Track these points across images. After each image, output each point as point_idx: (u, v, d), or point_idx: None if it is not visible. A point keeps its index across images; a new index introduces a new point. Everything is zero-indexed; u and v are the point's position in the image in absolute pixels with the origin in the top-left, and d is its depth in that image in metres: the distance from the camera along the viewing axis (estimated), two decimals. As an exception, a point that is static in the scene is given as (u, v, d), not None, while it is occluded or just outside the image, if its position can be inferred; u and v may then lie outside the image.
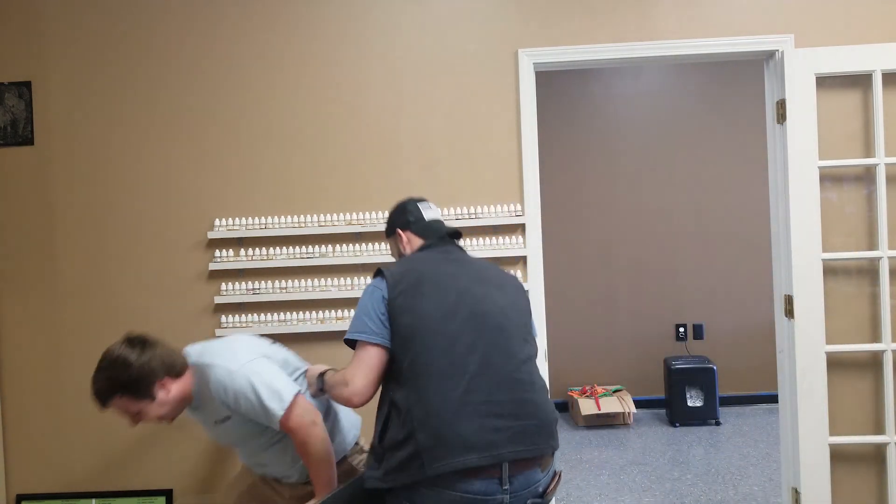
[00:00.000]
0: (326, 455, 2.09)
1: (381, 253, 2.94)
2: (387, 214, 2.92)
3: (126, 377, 2.01)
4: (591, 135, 5.44)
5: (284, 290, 2.96)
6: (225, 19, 3.00)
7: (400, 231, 2.14)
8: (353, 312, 2.94)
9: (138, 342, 2.07)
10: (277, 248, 2.97)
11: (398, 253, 2.16)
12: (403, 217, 2.15)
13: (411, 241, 2.12)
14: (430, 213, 2.16)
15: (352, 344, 1.92)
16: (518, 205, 2.95)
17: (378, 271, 1.97)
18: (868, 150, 2.85)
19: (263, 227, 2.97)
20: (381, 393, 1.92)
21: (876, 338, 2.84)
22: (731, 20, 2.92)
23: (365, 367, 1.86)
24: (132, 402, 2.05)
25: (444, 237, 2.10)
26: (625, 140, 5.43)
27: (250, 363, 2.10)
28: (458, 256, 2.05)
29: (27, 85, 3.02)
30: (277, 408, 2.04)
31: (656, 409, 5.36)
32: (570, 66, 3.01)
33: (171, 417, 2.14)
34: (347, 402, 1.88)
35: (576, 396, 5.18)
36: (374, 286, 1.93)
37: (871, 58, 2.78)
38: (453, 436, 1.74)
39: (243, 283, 2.98)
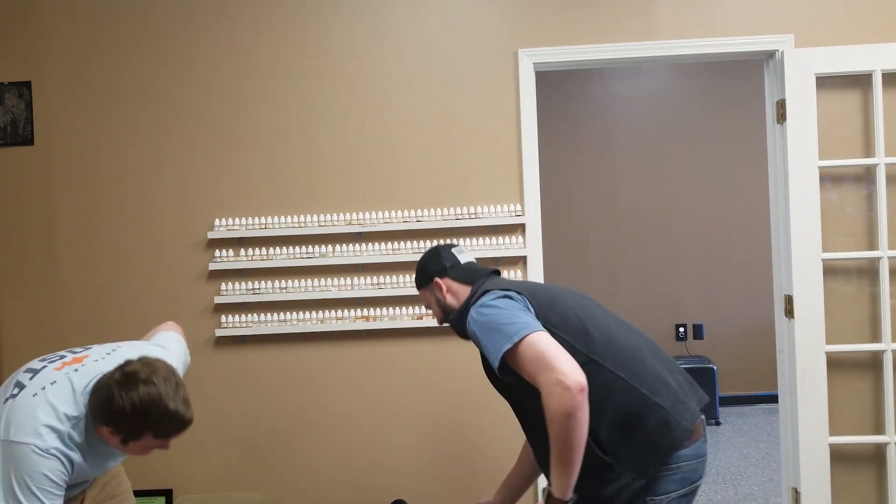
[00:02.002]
0: None
1: (380, 253, 2.94)
2: (386, 214, 2.95)
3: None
4: (591, 135, 5.44)
5: (284, 290, 2.96)
6: (224, 20, 3.00)
7: (438, 279, 1.95)
8: (352, 312, 2.95)
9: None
10: (277, 248, 2.97)
11: (437, 303, 1.97)
12: (438, 263, 1.97)
13: (451, 289, 1.94)
14: (464, 256, 2.01)
15: (503, 373, 1.67)
16: (518, 205, 2.95)
17: (488, 290, 1.79)
18: (868, 150, 2.85)
19: (263, 227, 2.97)
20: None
21: (876, 338, 2.84)
22: (731, 20, 2.91)
23: (558, 350, 1.61)
24: None
25: (491, 273, 1.95)
26: (625, 140, 5.43)
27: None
28: None
29: (27, 85, 3.02)
30: None
31: (656, 409, 5.35)
32: (570, 66, 3.01)
33: None
34: (578, 393, 1.53)
35: (576, 396, 5.18)
36: (504, 297, 1.75)
37: (871, 58, 2.78)
38: (672, 391, 1.73)
39: (243, 283, 2.98)
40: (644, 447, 1.68)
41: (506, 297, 1.75)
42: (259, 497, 2.95)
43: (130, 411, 1.62)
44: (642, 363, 1.76)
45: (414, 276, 2.06)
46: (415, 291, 2.90)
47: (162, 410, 1.64)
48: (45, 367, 1.79)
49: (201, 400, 3.00)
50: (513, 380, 1.69)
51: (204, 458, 3.01)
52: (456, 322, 1.93)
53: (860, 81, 2.84)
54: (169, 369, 1.70)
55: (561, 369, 1.55)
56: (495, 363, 1.65)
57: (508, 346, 1.63)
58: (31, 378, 1.75)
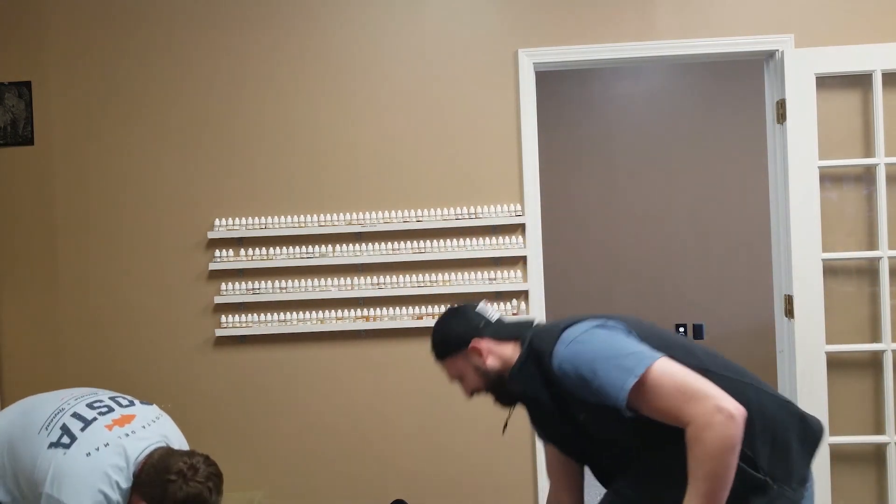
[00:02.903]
0: None
1: (380, 253, 2.94)
2: (386, 214, 2.94)
3: None
4: (591, 135, 5.43)
5: (284, 290, 2.96)
6: (225, 19, 3.00)
7: (476, 341, 1.65)
8: (352, 312, 2.94)
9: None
10: (277, 248, 2.97)
11: (476, 371, 1.67)
12: (469, 324, 1.67)
13: (495, 350, 1.65)
14: (492, 313, 1.73)
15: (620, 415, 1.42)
16: (518, 205, 2.95)
17: (570, 326, 1.55)
18: (868, 150, 2.85)
19: (263, 227, 2.97)
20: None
21: (876, 338, 2.84)
22: (731, 20, 2.91)
23: (700, 377, 1.41)
24: None
25: (533, 324, 1.69)
26: (625, 140, 5.42)
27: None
28: None
29: (27, 85, 3.02)
30: None
31: (656, 409, 5.34)
32: (570, 66, 3.01)
33: None
34: (741, 421, 1.35)
35: (576, 396, 5.18)
36: (598, 327, 1.53)
37: (871, 58, 2.78)
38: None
39: (243, 283, 2.98)
40: (797, 451, 1.49)
41: (600, 326, 1.52)
42: (259, 497, 2.95)
43: (179, 502, 1.65)
44: (738, 366, 1.58)
45: (433, 345, 1.75)
46: (415, 291, 2.92)
47: None
48: (94, 419, 1.78)
49: (201, 400, 3.00)
50: (624, 426, 1.47)
51: (204, 458, 3.01)
52: (522, 376, 1.59)
53: (860, 81, 2.84)
54: (220, 477, 1.76)
55: (717, 395, 1.36)
56: (619, 402, 1.39)
57: (632, 380, 1.39)
58: (81, 429, 1.75)
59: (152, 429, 1.83)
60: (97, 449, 1.71)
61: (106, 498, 1.66)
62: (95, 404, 1.84)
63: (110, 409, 1.83)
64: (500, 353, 1.65)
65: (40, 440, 1.74)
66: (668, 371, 1.40)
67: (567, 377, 1.48)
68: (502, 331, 1.67)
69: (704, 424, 1.34)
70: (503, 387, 1.66)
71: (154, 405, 1.96)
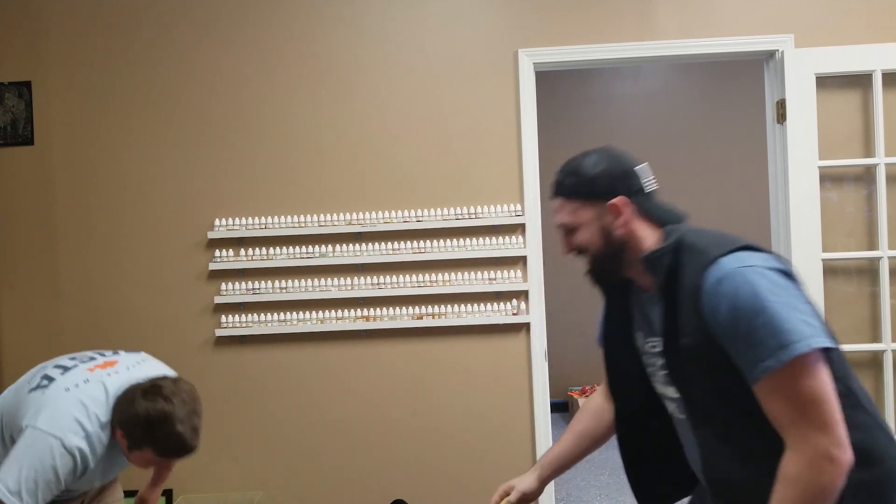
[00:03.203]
0: None
1: (380, 253, 2.94)
2: (386, 214, 2.94)
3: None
4: (591, 135, 5.43)
5: (284, 290, 2.96)
6: (225, 20, 3.00)
7: (622, 200, 1.37)
8: (352, 312, 2.94)
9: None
10: (277, 248, 2.97)
11: (600, 230, 1.39)
12: (628, 181, 1.39)
13: (632, 222, 1.37)
14: (651, 179, 1.44)
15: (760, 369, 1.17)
16: (518, 205, 2.95)
17: (745, 249, 1.28)
18: (868, 150, 2.85)
19: (263, 227, 2.97)
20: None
21: (876, 338, 2.84)
22: (731, 20, 2.92)
23: (837, 403, 1.18)
24: None
25: (681, 219, 1.41)
26: (625, 140, 5.40)
27: None
28: None
29: (27, 85, 3.02)
30: None
31: (656, 409, 5.34)
32: (570, 66, 3.01)
33: None
34: (845, 472, 1.16)
35: (576, 396, 5.19)
36: (784, 274, 1.24)
37: (871, 58, 2.78)
38: None
39: (243, 283, 2.98)
40: None
41: (786, 275, 1.24)
42: (259, 497, 2.96)
43: (142, 419, 1.65)
44: (868, 394, 1.34)
45: (567, 177, 1.46)
46: (415, 291, 2.92)
47: (167, 430, 1.67)
48: (76, 365, 1.80)
49: (201, 400, 3.00)
50: (716, 379, 1.26)
51: (204, 457, 3.01)
52: (657, 264, 1.33)
53: (860, 81, 2.84)
54: (193, 396, 1.76)
55: (839, 437, 1.15)
56: (773, 360, 1.15)
57: (803, 348, 1.14)
58: (62, 374, 1.77)
59: (136, 369, 1.84)
60: (76, 385, 1.73)
61: (82, 427, 1.66)
62: (77, 356, 1.87)
63: (92, 358, 1.86)
64: (635, 229, 1.37)
65: (24, 391, 1.77)
66: (818, 372, 1.17)
67: (715, 296, 1.22)
68: (652, 208, 1.39)
69: (808, 462, 1.15)
70: (613, 262, 1.41)
71: (141, 352, 1.97)
